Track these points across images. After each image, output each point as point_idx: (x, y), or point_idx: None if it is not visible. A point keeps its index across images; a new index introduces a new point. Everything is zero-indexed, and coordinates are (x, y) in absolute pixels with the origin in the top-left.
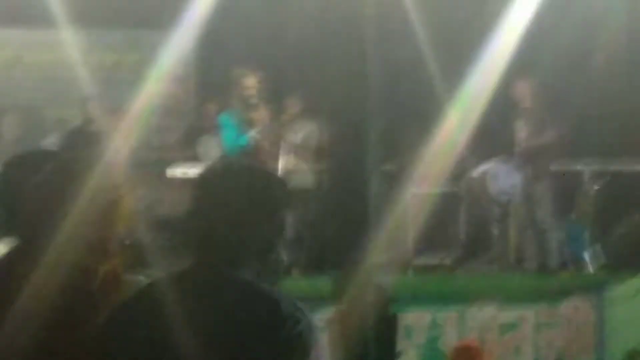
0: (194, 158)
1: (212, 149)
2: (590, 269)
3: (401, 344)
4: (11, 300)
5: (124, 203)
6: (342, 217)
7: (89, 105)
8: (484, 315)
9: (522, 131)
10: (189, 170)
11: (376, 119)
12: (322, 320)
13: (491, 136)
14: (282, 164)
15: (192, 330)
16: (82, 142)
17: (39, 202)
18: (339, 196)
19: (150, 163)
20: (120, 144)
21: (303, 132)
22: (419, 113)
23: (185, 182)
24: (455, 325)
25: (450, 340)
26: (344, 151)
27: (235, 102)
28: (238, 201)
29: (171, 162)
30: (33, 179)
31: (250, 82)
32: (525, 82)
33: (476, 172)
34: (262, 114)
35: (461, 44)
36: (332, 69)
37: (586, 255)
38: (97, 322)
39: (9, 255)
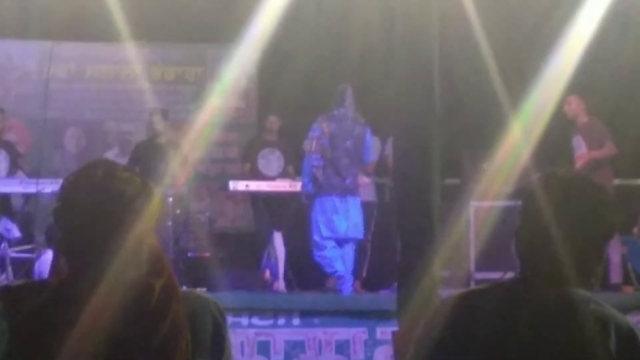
0: (255, 171)
1: (273, 162)
2: None
3: None
4: (73, 322)
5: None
6: (405, 231)
7: (155, 118)
8: None
9: (580, 147)
10: (250, 184)
11: (439, 133)
12: (385, 334)
13: (552, 150)
14: None
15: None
16: (149, 154)
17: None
18: (401, 210)
19: (212, 177)
20: (185, 157)
21: None
22: (481, 128)
23: (246, 195)
24: None
25: None
26: (408, 165)
27: None
28: (605, 209)
29: (233, 175)
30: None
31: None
32: (577, 98)
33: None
34: None
35: (523, 61)
36: (395, 85)
37: None
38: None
39: (66, 277)
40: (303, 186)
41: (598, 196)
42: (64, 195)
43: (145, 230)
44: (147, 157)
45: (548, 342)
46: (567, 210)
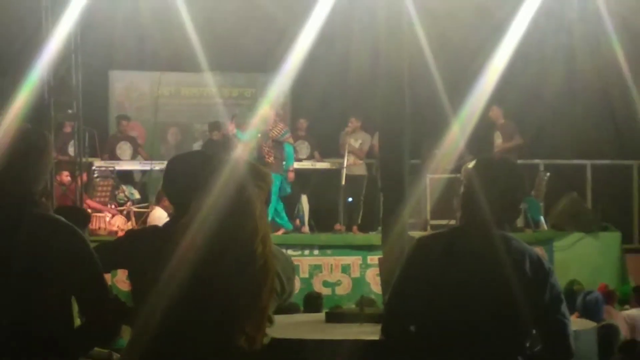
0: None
1: (303, 150)
2: (545, 228)
3: None
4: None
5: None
6: (386, 192)
7: (223, 125)
8: None
9: (498, 138)
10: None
11: (408, 130)
12: (373, 260)
13: (479, 141)
14: (346, 160)
15: (466, 274)
16: (221, 148)
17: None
18: (384, 179)
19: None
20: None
21: (360, 139)
22: (434, 126)
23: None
24: None
25: None
26: (388, 150)
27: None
28: (518, 184)
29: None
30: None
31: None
32: (498, 107)
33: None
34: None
35: (461, 81)
36: (380, 96)
37: (541, 219)
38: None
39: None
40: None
41: (513, 171)
42: (171, 168)
43: (245, 187)
44: (220, 149)
45: (484, 266)
46: (493, 181)
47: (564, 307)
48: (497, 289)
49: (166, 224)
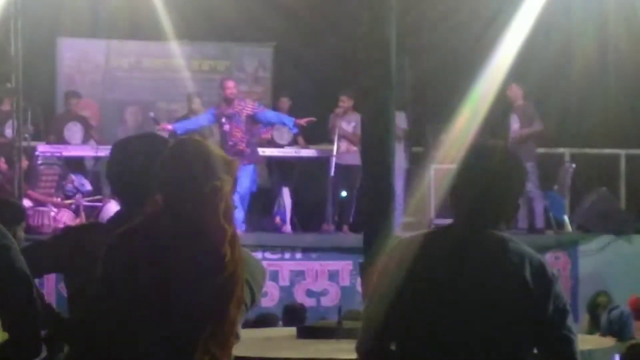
0: (271, 141)
1: (285, 134)
2: (569, 229)
3: None
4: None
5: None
6: (368, 186)
7: (195, 100)
8: None
9: (515, 123)
10: (266, 150)
11: (410, 114)
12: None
13: (493, 126)
14: (337, 146)
15: (454, 275)
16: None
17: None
18: (364, 173)
19: None
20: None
21: (354, 122)
22: (441, 107)
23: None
24: None
25: None
26: (369, 136)
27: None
28: (512, 174)
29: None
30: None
31: (230, 84)
32: (517, 85)
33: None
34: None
35: (472, 56)
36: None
37: (565, 218)
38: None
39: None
40: None
41: (510, 159)
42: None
43: (217, 183)
44: None
45: (475, 273)
46: (485, 171)
47: (570, 321)
48: (490, 301)
49: (112, 221)
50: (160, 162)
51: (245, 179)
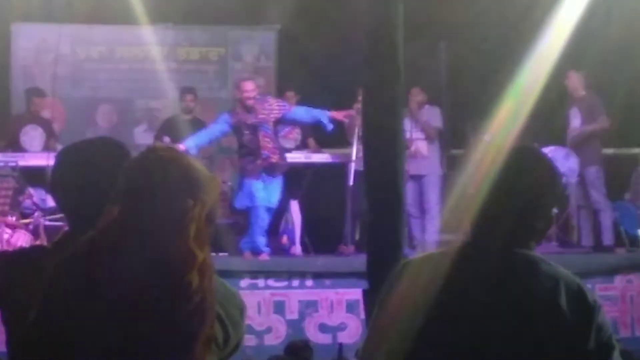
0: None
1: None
2: None
3: None
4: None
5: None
6: (373, 198)
7: (189, 97)
8: None
9: (576, 117)
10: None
11: (445, 109)
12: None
13: (546, 123)
14: (356, 150)
15: (480, 300)
16: (177, 130)
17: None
18: (368, 182)
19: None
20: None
21: (427, 115)
22: (481, 105)
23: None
24: None
25: None
26: (372, 135)
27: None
28: (545, 176)
29: None
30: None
31: (249, 87)
32: (578, 73)
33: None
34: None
35: (516, 38)
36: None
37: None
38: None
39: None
40: None
41: (541, 164)
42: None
43: (188, 201)
44: (174, 132)
45: (499, 301)
46: (511, 179)
47: (617, 357)
48: (517, 333)
49: (57, 244)
50: (124, 168)
51: (277, 192)
